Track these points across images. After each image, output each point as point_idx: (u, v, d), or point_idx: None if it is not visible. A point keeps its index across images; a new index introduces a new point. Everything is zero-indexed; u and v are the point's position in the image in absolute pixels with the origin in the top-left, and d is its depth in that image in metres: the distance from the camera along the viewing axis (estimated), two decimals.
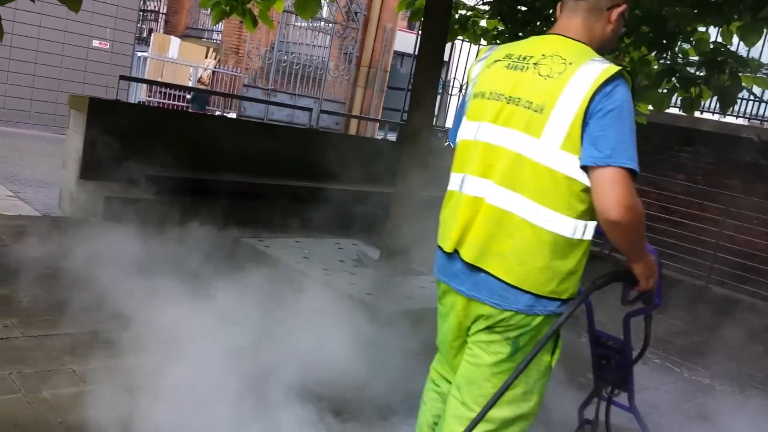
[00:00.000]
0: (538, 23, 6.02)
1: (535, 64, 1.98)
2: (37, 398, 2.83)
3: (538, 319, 1.97)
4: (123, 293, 3.83)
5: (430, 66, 5.83)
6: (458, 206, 2.06)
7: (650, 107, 6.14)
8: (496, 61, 2.09)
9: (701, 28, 5.82)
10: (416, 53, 5.90)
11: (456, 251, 2.04)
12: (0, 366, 3.00)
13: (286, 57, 13.22)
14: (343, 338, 3.66)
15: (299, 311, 3.96)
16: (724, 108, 5.82)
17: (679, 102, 6.03)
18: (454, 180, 2.14)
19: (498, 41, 6.57)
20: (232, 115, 14.16)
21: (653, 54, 6.18)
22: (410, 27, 15.37)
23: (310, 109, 8.78)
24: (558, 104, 1.89)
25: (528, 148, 1.93)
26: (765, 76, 5.98)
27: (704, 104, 7.44)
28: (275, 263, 5.43)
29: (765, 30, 4.90)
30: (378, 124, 14.42)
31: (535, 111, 1.93)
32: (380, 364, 3.56)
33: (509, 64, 2.05)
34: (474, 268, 2.00)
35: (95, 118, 6.07)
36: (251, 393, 2.96)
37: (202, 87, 15.99)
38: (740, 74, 5.52)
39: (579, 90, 1.86)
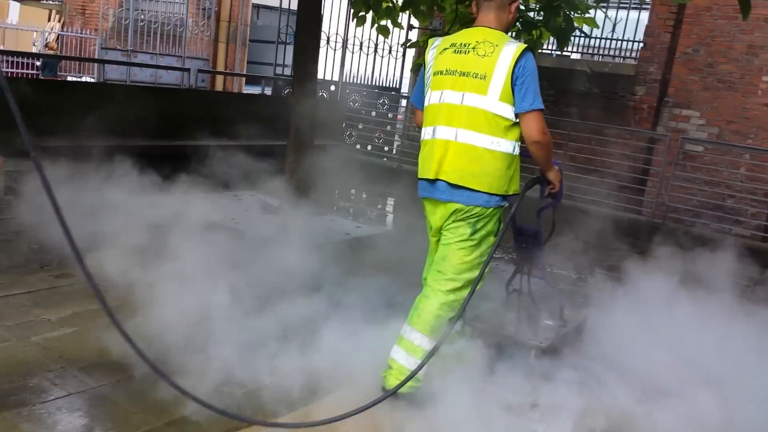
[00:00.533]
0: None
1: (473, 48, 2.98)
2: (29, 342, 3.23)
3: (490, 210, 3.02)
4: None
5: (311, 22, 6.35)
6: (433, 148, 3.04)
7: None
8: (444, 49, 3.07)
9: None
10: (298, 11, 6.36)
11: (436, 179, 3.01)
12: None
13: (142, 16, 12.99)
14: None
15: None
16: (561, 46, 6.83)
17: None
18: (427, 132, 3.09)
19: None
20: (91, 80, 13.78)
21: None
22: None
23: (187, 69, 8.95)
24: (494, 73, 2.90)
25: (479, 102, 2.94)
26: (592, 17, 7.05)
27: (545, 44, 8.47)
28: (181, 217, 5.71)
29: None
30: (244, 79, 14.58)
31: (481, 78, 2.93)
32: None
33: (455, 50, 3.02)
34: (455, 186, 2.97)
35: None
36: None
37: (51, 53, 15.29)
38: (573, 16, 6.51)
39: (505, 62, 2.89)
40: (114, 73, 12.54)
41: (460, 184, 2.96)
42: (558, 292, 3.84)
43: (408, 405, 2.99)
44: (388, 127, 10.70)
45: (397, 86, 11.29)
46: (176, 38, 13.55)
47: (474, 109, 2.93)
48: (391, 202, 8.51)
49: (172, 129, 7.34)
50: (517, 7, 3.15)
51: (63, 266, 4.21)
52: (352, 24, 8.50)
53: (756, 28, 8.01)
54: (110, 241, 4.19)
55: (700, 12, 8.30)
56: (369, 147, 10.43)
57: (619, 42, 9.43)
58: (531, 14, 6.85)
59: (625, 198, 7.87)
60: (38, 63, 14.37)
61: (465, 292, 3.02)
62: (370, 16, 6.77)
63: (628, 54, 9.44)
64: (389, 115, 10.90)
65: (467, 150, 2.95)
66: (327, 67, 10.69)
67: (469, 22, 7.24)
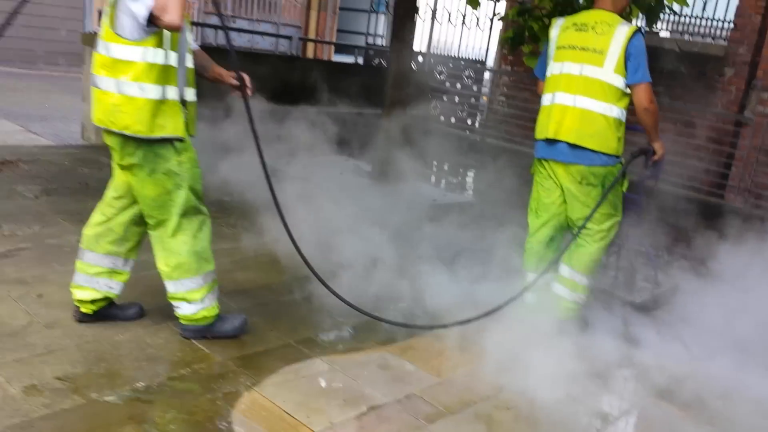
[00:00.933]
0: None
1: (592, 27, 3.53)
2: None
3: (610, 168, 3.58)
4: None
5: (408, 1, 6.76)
6: (551, 112, 3.61)
7: None
8: (567, 28, 3.64)
9: None
10: None
11: (555, 139, 3.57)
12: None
13: None
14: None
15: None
16: (650, 23, 7.02)
17: None
18: (546, 98, 3.68)
19: None
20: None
21: None
22: None
23: (289, 37, 9.52)
24: (610, 49, 3.46)
25: (596, 73, 3.49)
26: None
27: (634, 20, 8.56)
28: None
29: None
30: (333, 47, 15.09)
31: (598, 53, 3.48)
32: None
33: (576, 28, 3.59)
34: (574, 147, 3.53)
35: None
36: None
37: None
38: None
39: (619, 40, 3.44)
40: (211, 38, 13.30)
41: (579, 143, 3.52)
42: (654, 258, 4.27)
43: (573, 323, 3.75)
44: (473, 100, 11.02)
45: (483, 59, 11.54)
46: (271, 5, 14.15)
47: (591, 79, 3.50)
48: (472, 173, 8.91)
49: (280, 93, 7.94)
50: None
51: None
52: None
53: None
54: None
55: None
56: (453, 120, 10.78)
57: (709, 21, 9.39)
58: None
59: (708, 181, 7.98)
60: None
61: (611, 236, 3.73)
62: None
63: (718, 34, 9.39)
64: (474, 87, 11.20)
65: (584, 114, 3.50)
66: (415, 37, 11.05)
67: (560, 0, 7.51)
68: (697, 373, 3.51)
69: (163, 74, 2.77)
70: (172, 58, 2.81)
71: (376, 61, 10.62)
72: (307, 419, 2.67)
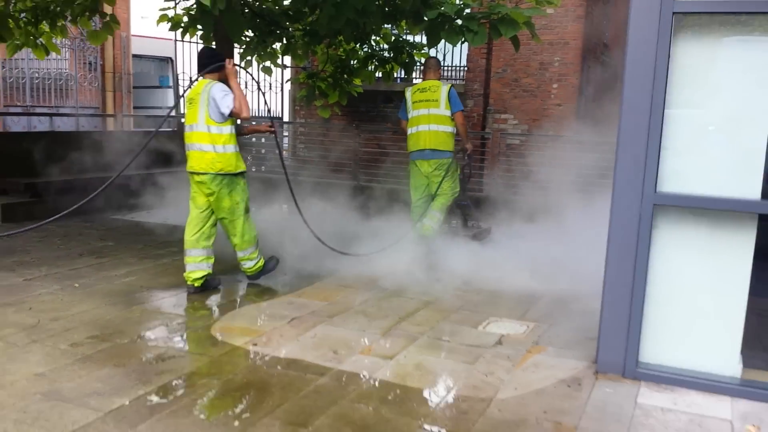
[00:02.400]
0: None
1: (429, 89, 6.71)
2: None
3: (448, 159, 6.65)
4: None
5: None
6: (419, 135, 6.67)
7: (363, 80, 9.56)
8: (415, 91, 6.80)
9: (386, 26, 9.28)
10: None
11: (424, 149, 6.59)
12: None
13: (36, 74, 14.31)
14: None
15: None
16: (408, 74, 9.46)
17: (380, 75, 9.53)
18: (413, 129, 6.72)
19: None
20: None
21: (359, 45, 9.54)
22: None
23: (113, 115, 10.61)
24: (441, 97, 6.62)
25: (437, 111, 6.61)
26: (427, 51, 9.70)
27: (396, 74, 11.04)
28: None
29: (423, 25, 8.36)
30: (132, 120, 16.14)
31: (435, 101, 6.65)
32: None
33: (421, 91, 6.73)
34: (433, 150, 6.59)
35: None
36: None
37: None
38: (413, 52, 9.11)
39: (444, 93, 6.64)
40: (17, 127, 13.79)
41: (436, 148, 6.54)
42: (475, 212, 6.67)
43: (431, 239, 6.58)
44: (276, 151, 12.89)
45: (281, 115, 13.49)
46: (66, 91, 14.92)
47: (435, 114, 6.57)
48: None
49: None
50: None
51: None
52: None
53: (543, 50, 11.05)
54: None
55: (504, 42, 11.21)
56: (263, 167, 12.54)
57: (451, 68, 12.26)
58: (384, 53, 9.48)
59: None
60: None
61: (450, 196, 6.77)
62: (254, 59, 9.03)
63: (458, 76, 12.28)
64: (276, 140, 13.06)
65: (436, 133, 6.56)
66: None
67: (336, 62, 9.75)
68: (487, 272, 5.68)
69: (235, 138, 5.12)
70: (236, 129, 5.18)
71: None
72: (258, 327, 4.27)
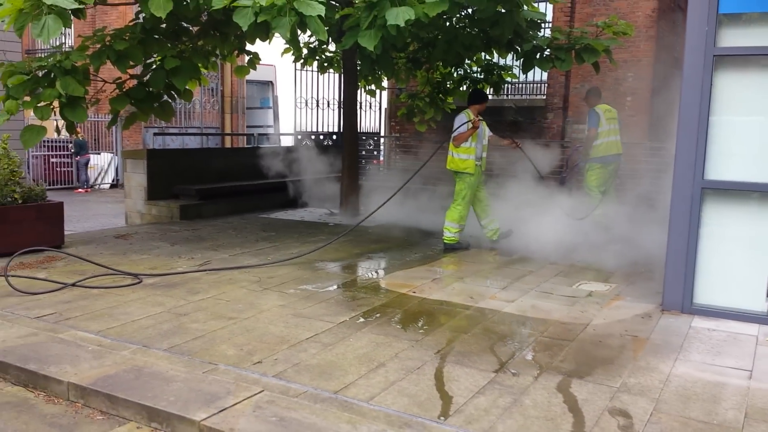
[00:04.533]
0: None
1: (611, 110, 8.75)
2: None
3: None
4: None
5: (350, 96, 10.31)
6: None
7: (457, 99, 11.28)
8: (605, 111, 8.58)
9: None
10: (342, 93, 10.33)
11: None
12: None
13: None
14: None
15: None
16: (497, 92, 11.08)
17: None
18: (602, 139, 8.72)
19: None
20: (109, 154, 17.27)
21: (454, 68, 11.23)
22: None
23: (252, 134, 12.71)
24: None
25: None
26: (515, 73, 11.28)
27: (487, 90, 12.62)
28: (288, 222, 9.63)
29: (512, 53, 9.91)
30: (245, 138, 18.36)
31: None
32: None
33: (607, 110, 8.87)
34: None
35: (153, 161, 9.75)
36: None
37: (80, 136, 18.65)
38: (502, 73, 10.72)
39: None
40: (153, 145, 16.12)
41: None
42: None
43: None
44: (374, 161, 14.69)
45: (377, 131, 15.31)
46: (192, 113, 17.25)
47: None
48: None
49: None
50: None
51: None
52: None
53: (613, 70, 12.44)
54: None
55: None
56: (361, 177, 14.37)
57: (533, 84, 13.79)
58: (476, 75, 11.15)
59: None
60: (70, 144, 17.73)
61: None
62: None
63: (539, 90, 13.80)
64: (374, 152, 14.89)
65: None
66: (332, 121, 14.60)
67: (436, 84, 11.48)
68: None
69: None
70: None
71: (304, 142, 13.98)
72: (410, 283, 5.96)
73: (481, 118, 7.76)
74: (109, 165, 18.22)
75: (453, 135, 7.60)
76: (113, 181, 18.31)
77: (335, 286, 5.98)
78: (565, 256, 7.27)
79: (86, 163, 17.42)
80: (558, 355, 4.31)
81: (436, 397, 3.62)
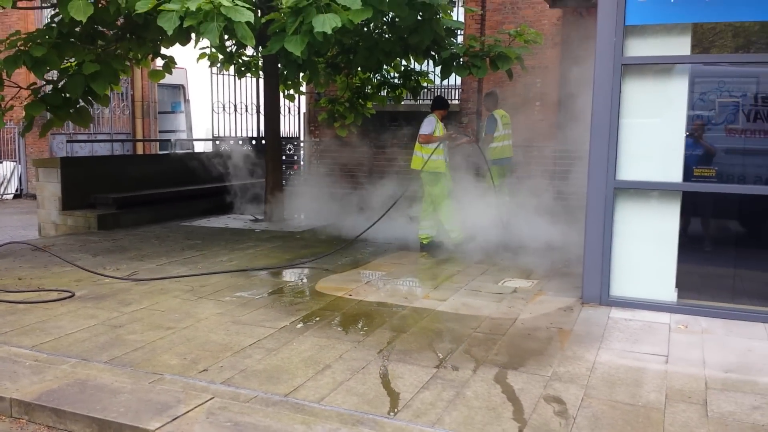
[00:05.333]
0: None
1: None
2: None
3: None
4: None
5: (272, 101, 10.32)
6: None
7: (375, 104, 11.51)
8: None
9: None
10: (264, 98, 10.32)
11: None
12: None
13: None
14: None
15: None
16: (414, 97, 11.39)
17: (391, 99, 11.46)
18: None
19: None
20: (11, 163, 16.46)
21: (373, 74, 11.44)
22: None
23: (168, 140, 12.43)
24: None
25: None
26: (431, 78, 11.63)
27: (405, 96, 12.92)
28: (216, 230, 9.54)
29: (429, 59, 10.21)
30: (159, 144, 17.89)
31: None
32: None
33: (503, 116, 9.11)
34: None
35: (67, 170, 9.42)
36: None
37: None
38: (419, 79, 11.03)
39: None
40: (61, 153, 15.48)
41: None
42: None
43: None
44: (294, 167, 14.72)
45: (297, 135, 15.32)
46: (101, 119, 16.66)
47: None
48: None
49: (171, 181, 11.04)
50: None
51: None
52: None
53: (527, 73, 13.00)
54: None
55: None
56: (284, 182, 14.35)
57: (447, 89, 14.21)
58: (394, 80, 11.42)
59: None
60: None
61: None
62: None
63: (454, 96, 14.23)
64: (294, 156, 14.91)
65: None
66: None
67: (355, 90, 11.67)
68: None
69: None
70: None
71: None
72: (345, 286, 6.08)
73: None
74: (11, 174, 17.32)
75: (422, 134, 7.87)
76: (17, 190, 17.41)
77: (271, 292, 6.02)
78: (489, 256, 7.59)
79: None
80: (492, 349, 4.56)
81: (383, 395, 3.77)
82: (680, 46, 5.39)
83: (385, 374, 4.07)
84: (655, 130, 5.51)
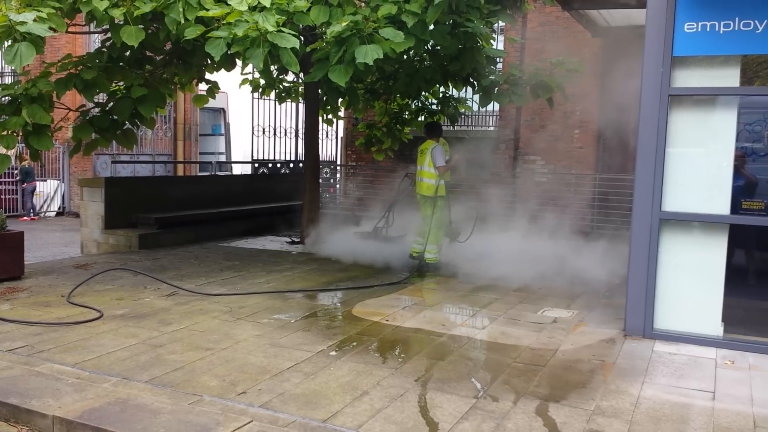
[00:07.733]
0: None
1: (421, 151, 8.26)
2: None
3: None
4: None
5: (311, 126, 10.43)
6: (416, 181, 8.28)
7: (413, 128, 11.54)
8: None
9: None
10: (305, 123, 10.44)
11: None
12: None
13: None
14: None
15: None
16: (453, 123, 11.40)
17: None
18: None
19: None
20: (55, 181, 16.83)
21: (411, 100, 11.49)
22: None
23: (209, 162, 12.63)
24: (427, 153, 8.13)
25: (425, 165, 8.05)
26: (469, 105, 11.64)
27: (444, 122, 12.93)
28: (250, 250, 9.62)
29: (468, 87, 10.23)
30: (199, 165, 18.19)
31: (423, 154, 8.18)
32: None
33: (419, 148, 8.33)
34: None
35: (111, 189, 9.61)
36: None
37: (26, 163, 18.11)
38: (457, 105, 11.04)
39: (429, 149, 8.05)
40: (104, 173, 15.83)
41: (424, 194, 8.24)
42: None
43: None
44: (330, 189, 14.80)
45: (333, 159, 15.43)
46: (143, 140, 17.02)
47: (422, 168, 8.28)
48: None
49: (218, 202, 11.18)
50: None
51: None
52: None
53: (561, 103, 12.94)
54: None
55: None
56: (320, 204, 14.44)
57: (485, 116, 14.20)
58: (432, 106, 11.44)
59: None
60: (16, 170, 17.25)
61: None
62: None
63: (492, 122, 14.21)
64: (331, 180, 15.00)
65: (420, 181, 8.32)
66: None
67: (393, 115, 11.72)
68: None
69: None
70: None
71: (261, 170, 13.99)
72: (382, 311, 6.04)
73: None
74: (55, 192, 17.76)
75: (438, 166, 8.10)
76: (59, 208, 17.83)
77: (308, 315, 6.02)
78: (527, 284, 7.50)
79: (33, 191, 16.93)
80: (533, 380, 4.47)
81: (422, 424, 3.72)
82: (729, 78, 5.31)
83: (423, 403, 4.02)
84: (701, 161, 5.42)
